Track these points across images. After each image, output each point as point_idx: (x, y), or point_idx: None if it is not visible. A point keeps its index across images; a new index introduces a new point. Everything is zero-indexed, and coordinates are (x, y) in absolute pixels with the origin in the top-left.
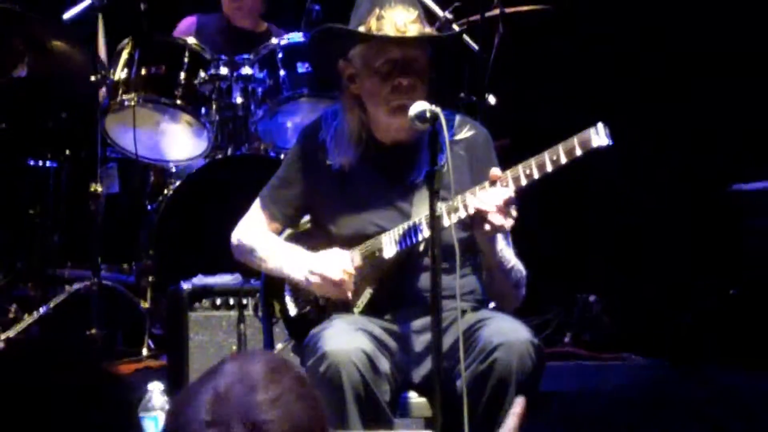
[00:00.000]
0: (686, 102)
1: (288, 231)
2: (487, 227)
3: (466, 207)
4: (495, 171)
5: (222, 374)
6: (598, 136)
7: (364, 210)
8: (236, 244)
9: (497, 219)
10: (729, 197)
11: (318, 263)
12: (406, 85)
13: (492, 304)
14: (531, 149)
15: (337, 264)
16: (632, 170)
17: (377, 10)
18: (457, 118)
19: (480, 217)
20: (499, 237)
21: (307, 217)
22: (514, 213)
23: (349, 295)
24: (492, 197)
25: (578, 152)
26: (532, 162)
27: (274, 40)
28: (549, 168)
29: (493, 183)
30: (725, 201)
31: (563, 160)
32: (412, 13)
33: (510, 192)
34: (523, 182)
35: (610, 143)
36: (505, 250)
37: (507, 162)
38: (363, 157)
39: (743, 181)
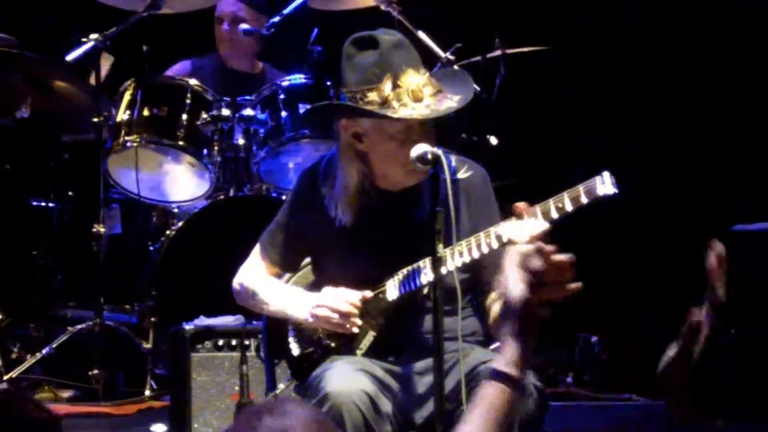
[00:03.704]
0: (687, 142)
1: (287, 276)
2: None
3: (470, 250)
4: (519, 205)
5: (264, 428)
6: (604, 185)
7: (366, 255)
8: (238, 290)
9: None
10: (730, 238)
11: (322, 297)
12: None
13: (494, 345)
14: (532, 189)
15: (342, 296)
16: (633, 210)
17: (390, 77)
18: (454, 158)
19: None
20: None
21: (307, 260)
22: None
23: (355, 329)
24: (526, 228)
25: (584, 200)
26: (537, 209)
27: (285, 83)
28: (554, 215)
29: (519, 216)
30: (726, 241)
31: (569, 207)
32: (423, 74)
33: (544, 225)
34: None
35: (616, 192)
36: None
37: (508, 202)
38: (364, 205)
39: (745, 222)
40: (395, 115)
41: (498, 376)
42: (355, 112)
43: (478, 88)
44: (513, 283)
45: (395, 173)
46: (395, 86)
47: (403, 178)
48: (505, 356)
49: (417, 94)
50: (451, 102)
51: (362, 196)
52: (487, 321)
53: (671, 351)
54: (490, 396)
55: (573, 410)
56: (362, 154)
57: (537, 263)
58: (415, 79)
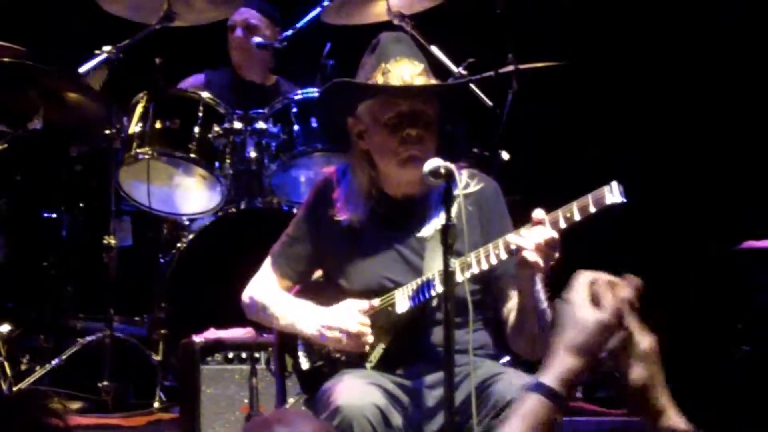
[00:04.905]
0: (698, 159)
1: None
2: (529, 262)
3: (479, 262)
4: (537, 213)
5: None
6: (612, 194)
7: (374, 265)
8: (248, 303)
9: (533, 257)
10: (739, 255)
11: (333, 317)
12: (415, 136)
13: (504, 359)
14: (544, 205)
15: (352, 316)
16: (643, 226)
17: (383, 65)
18: (466, 171)
19: (520, 254)
20: (537, 278)
21: (318, 273)
22: (555, 255)
23: (366, 347)
24: (533, 236)
25: (592, 209)
26: (546, 219)
27: (297, 96)
28: (563, 225)
29: (535, 225)
30: (736, 258)
31: (577, 216)
32: (418, 66)
33: (552, 233)
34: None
35: (624, 201)
36: (541, 292)
37: (518, 218)
38: (373, 212)
39: (754, 239)
40: (376, 84)
41: (543, 389)
42: (344, 85)
43: (491, 103)
44: (585, 302)
45: (391, 168)
46: (386, 72)
47: (398, 171)
48: (553, 370)
49: (407, 81)
50: (433, 83)
51: (371, 203)
52: (504, 331)
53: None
54: (532, 409)
55: (583, 425)
56: (369, 156)
57: (627, 291)
58: (408, 68)
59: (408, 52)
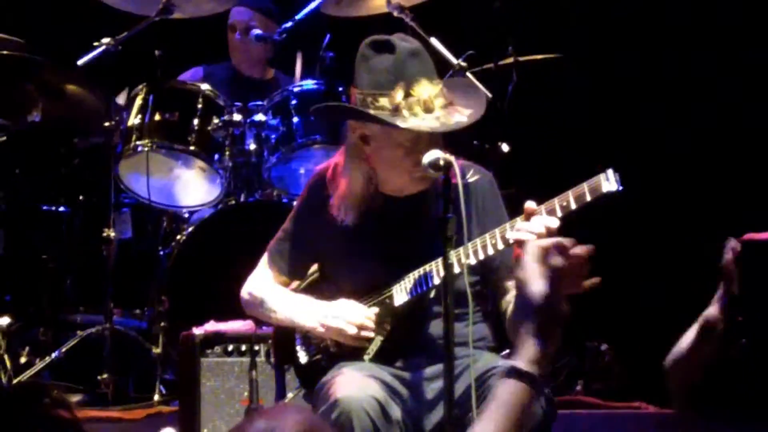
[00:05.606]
0: (697, 149)
1: (295, 283)
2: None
3: (476, 252)
4: (529, 204)
5: (253, 429)
6: (608, 182)
7: (372, 260)
8: (246, 299)
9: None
10: (741, 246)
11: (336, 310)
12: None
13: (504, 352)
14: (543, 197)
15: (357, 310)
16: (644, 218)
17: (403, 86)
18: (461, 162)
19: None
20: None
21: (314, 267)
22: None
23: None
24: (533, 228)
25: (588, 198)
26: (542, 208)
27: (296, 89)
28: (559, 213)
29: (528, 217)
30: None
31: (573, 205)
32: (436, 86)
33: (554, 221)
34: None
35: (620, 189)
36: None
37: (515, 211)
38: (369, 209)
39: (755, 231)
40: (404, 125)
41: (516, 373)
42: (363, 117)
43: (490, 95)
44: (532, 279)
45: (399, 180)
46: (407, 95)
47: (408, 185)
48: (523, 354)
49: (428, 105)
50: (461, 116)
51: (367, 200)
52: (504, 323)
53: (683, 344)
54: (507, 393)
55: (582, 418)
56: (368, 157)
57: (558, 260)
58: (427, 89)
59: (425, 70)
